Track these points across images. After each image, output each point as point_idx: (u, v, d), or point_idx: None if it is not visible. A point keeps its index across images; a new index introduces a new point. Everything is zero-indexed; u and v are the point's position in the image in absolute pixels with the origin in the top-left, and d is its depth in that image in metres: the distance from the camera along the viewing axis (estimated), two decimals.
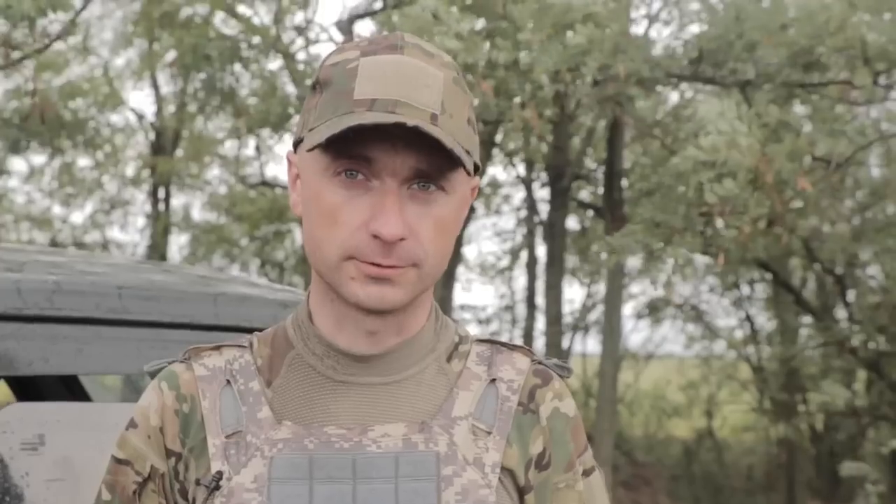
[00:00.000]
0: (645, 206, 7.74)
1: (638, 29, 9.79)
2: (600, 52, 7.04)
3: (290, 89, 12.55)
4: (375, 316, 1.37)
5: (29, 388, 3.06)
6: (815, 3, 7.20)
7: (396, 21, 7.19)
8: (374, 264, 1.32)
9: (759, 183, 6.67)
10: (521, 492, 1.41)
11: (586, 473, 1.47)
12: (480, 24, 7.17)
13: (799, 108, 7.79)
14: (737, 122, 6.47)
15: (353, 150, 1.31)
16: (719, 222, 6.97)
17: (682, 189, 7.13)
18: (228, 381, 1.43)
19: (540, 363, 1.47)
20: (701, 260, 13.54)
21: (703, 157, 6.47)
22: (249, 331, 1.54)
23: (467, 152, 1.34)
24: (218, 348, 1.46)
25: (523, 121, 7.55)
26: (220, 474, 1.37)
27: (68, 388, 3.05)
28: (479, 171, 1.43)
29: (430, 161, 1.31)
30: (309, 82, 11.85)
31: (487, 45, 7.23)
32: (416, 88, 1.32)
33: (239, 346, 1.46)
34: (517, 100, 7.60)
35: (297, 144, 1.41)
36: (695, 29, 8.94)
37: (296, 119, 13.05)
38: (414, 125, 1.27)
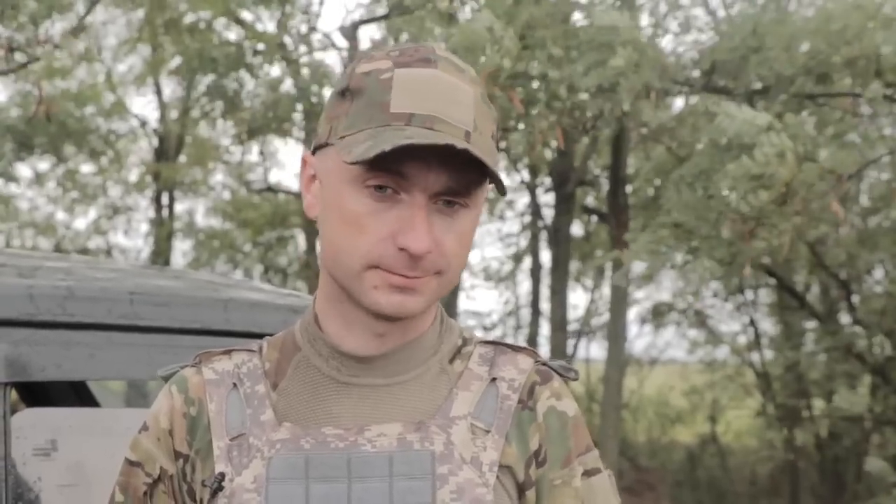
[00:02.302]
0: (674, 205, 7.65)
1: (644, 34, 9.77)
2: (636, 74, 7.04)
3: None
4: (387, 321, 1.39)
5: (38, 394, 3.06)
6: (833, 12, 7.19)
7: (452, 40, 7.15)
8: (399, 275, 1.33)
9: (788, 197, 6.66)
10: (521, 488, 1.42)
11: (589, 474, 1.47)
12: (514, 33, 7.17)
13: (809, 119, 7.79)
14: (783, 135, 6.45)
15: (390, 165, 1.32)
16: (754, 238, 6.93)
17: (721, 195, 7.07)
18: (235, 385, 1.44)
19: (544, 364, 1.48)
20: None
21: (756, 171, 6.44)
22: (260, 336, 1.55)
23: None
24: (228, 353, 1.49)
25: (542, 133, 7.55)
26: (222, 475, 1.39)
27: (77, 394, 3.05)
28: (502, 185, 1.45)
29: (461, 178, 1.33)
30: (316, 89, 11.87)
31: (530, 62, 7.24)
32: (451, 105, 1.34)
33: (248, 350, 1.48)
34: (534, 111, 7.61)
35: (318, 147, 1.42)
36: (704, 38, 8.92)
37: (299, 124, 13.05)
38: (463, 148, 1.29)
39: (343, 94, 1.39)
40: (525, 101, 7.37)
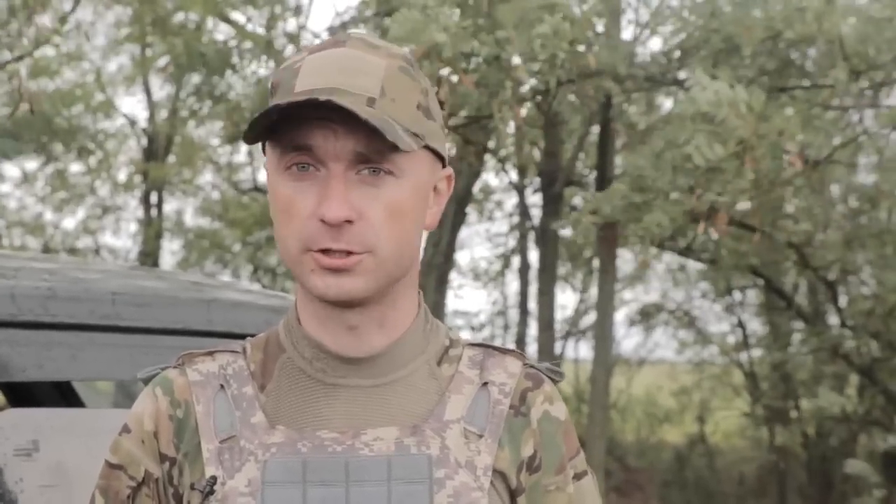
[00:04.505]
0: (632, 163, 7.73)
1: (626, 34, 9.79)
2: (563, 40, 7.07)
3: None
4: (352, 309, 1.38)
5: (22, 394, 3.06)
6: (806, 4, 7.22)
7: (389, 25, 7.19)
8: (325, 251, 1.33)
9: (747, 155, 6.69)
10: (513, 494, 1.42)
11: (577, 477, 1.48)
12: (461, 18, 7.18)
13: (786, 110, 7.82)
14: (737, 86, 6.47)
15: (296, 140, 1.34)
16: (704, 196, 6.96)
17: (668, 151, 7.12)
18: (222, 386, 1.44)
19: (532, 367, 1.48)
20: (693, 266, 13.57)
21: (704, 109, 6.43)
22: (242, 336, 1.55)
23: (416, 135, 1.36)
24: (211, 354, 1.47)
25: (510, 118, 7.58)
26: (214, 479, 1.38)
27: (62, 394, 3.05)
28: (445, 162, 1.45)
29: (370, 144, 1.33)
30: None
31: (473, 41, 7.24)
32: (354, 76, 1.35)
33: (232, 351, 1.47)
34: (499, 98, 7.63)
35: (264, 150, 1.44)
36: (669, 28, 8.95)
37: None
38: (327, 99, 1.30)
39: (270, 92, 1.42)
40: (478, 83, 7.38)
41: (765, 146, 6.74)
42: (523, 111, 7.83)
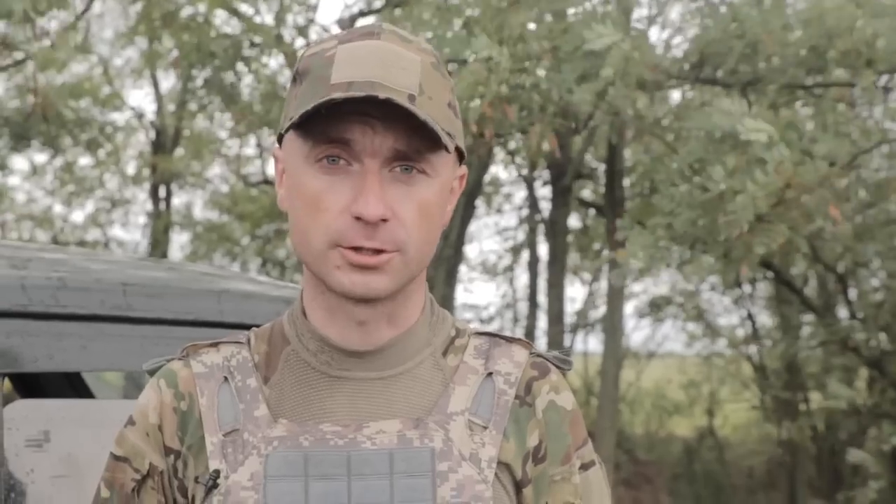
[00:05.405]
0: (668, 202, 7.67)
1: (638, 26, 9.76)
2: (622, 81, 7.04)
3: None
4: (365, 305, 1.37)
5: (33, 385, 3.06)
6: (825, 6, 7.18)
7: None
8: (356, 248, 1.32)
9: (784, 200, 6.66)
10: (519, 485, 1.41)
11: (585, 467, 1.47)
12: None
13: (802, 110, 7.77)
14: (782, 146, 6.44)
15: (331, 133, 1.31)
16: (753, 242, 6.94)
17: (716, 190, 7.07)
18: (226, 378, 1.43)
19: (539, 356, 1.47)
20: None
21: (762, 194, 6.44)
22: (252, 328, 1.53)
23: (448, 134, 1.34)
24: (216, 345, 1.47)
25: (538, 137, 7.58)
26: (217, 473, 1.37)
27: (71, 385, 3.05)
28: (464, 159, 1.44)
29: (409, 141, 1.32)
30: None
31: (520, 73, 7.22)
32: (393, 70, 1.32)
33: (236, 342, 1.46)
34: (524, 115, 7.63)
35: (280, 138, 1.42)
36: (693, 31, 8.93)
37: None
38: (386, 97, 1.28)
39: (294, 79, 1.39)
40: (517, 107, 7.38)
41: (804, 189, 6.71)
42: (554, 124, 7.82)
